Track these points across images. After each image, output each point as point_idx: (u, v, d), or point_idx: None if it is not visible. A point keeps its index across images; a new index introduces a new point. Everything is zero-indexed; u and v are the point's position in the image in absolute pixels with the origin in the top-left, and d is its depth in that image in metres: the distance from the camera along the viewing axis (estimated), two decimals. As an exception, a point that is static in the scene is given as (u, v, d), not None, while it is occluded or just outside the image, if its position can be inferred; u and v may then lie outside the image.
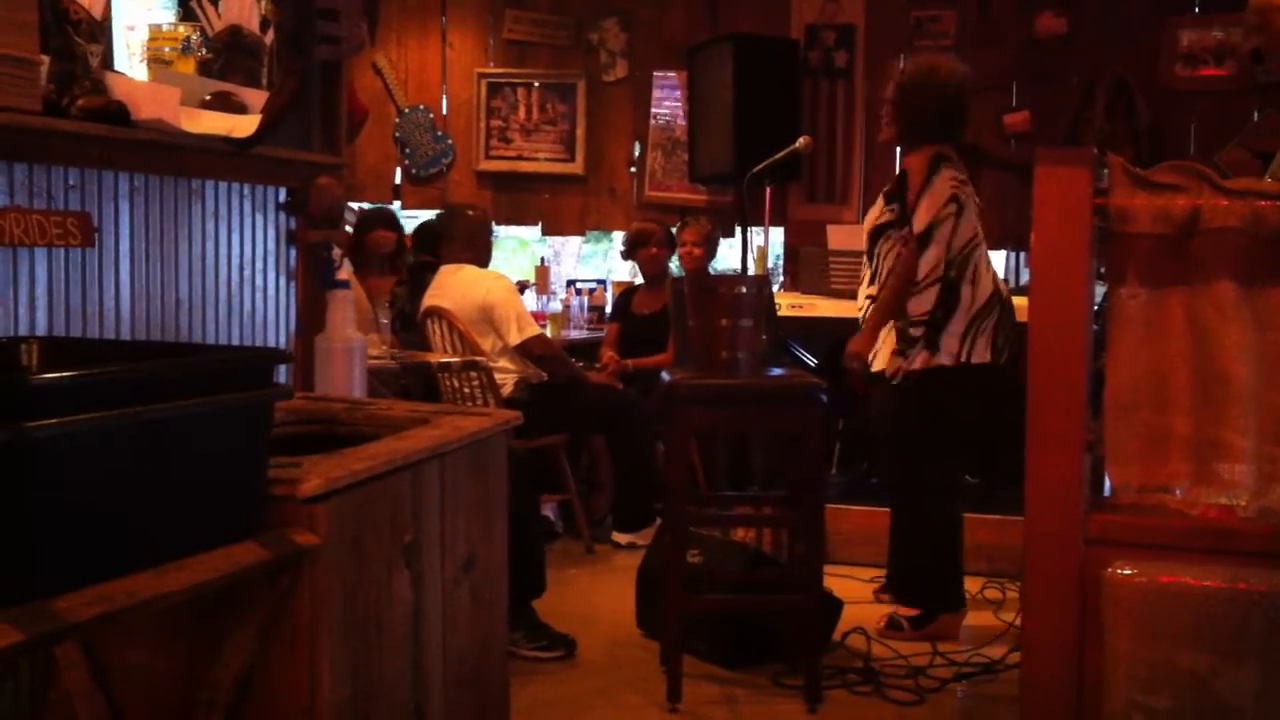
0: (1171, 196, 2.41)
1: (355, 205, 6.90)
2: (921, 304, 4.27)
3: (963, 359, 4.27)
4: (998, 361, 4.30)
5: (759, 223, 6.38)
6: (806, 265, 6.15)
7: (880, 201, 4.48)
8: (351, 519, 2.06)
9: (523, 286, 6.66)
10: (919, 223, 4.24)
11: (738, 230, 5.65)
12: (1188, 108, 6.23)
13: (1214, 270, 2.42)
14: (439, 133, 7.48)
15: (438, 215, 6.35)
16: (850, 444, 5.96)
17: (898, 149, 4.77)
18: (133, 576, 1.67)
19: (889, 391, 4.38)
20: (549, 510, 5.78)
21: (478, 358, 5.28)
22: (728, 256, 7.43)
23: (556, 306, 7.26)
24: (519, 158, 7.45)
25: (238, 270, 3.13)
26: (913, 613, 4.36)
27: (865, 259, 4.54)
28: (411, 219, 7.00)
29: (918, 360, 4.28)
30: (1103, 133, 6.11)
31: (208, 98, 3.14)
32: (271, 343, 3.26)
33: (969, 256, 4.29)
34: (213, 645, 1.89)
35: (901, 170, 4.44)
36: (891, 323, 4.35)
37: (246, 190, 3.16)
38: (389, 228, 6.32)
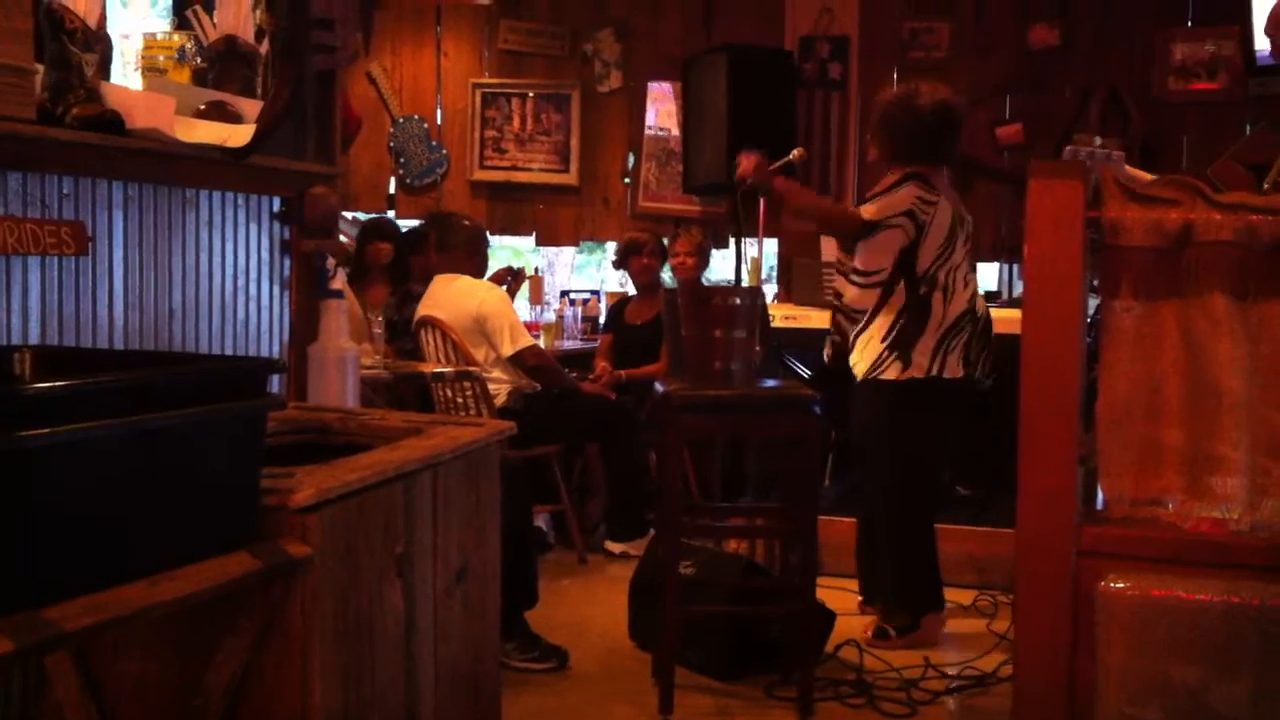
0: (1164, 210, 2.41)
1: (351, 215, 6.91)
2: (863, 299, 4.40)
3: (932, 372, 4.34)
4: (970, 376, 4.40)
5: (753, 233, 6.37)
6: (800, 276, 6.17)
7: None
8: (344, 529, 2.06)
9: (515, 279, 6.59)
10: (867, 212, 4.36)
11: (731, 241, 5.66)
12: (1180, 120, 6.25)
13: (1207, 283, 2.43)
14: (433, 142, 7.49)
15: (428, 219, 6.35)
16: (843, 454, 5.96)
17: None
18: (125, 586, 1.66)
19: (865, 397, 4.44)
20: (542, 520, 5.77)
21: (471, 368, 5.28)
22: (721, 267, 7.43)
23: (550, 317, 7.25)
24: (513, 168, 7.46)
25: (231, 279, 3.13)
26: (899, 620, 4.38)
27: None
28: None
29: (890, 371, 4.35)
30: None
31: (202, 107, 3.13)
32: (265, 352, 3.26)
33: (939, 273, 4.35)
34: (205, 654, 1.89)
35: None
36: (873, 334, 4.41)
37: (241, 199, 3.15)
38: (384, 239, 6.32)
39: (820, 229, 4.56)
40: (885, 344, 4.36)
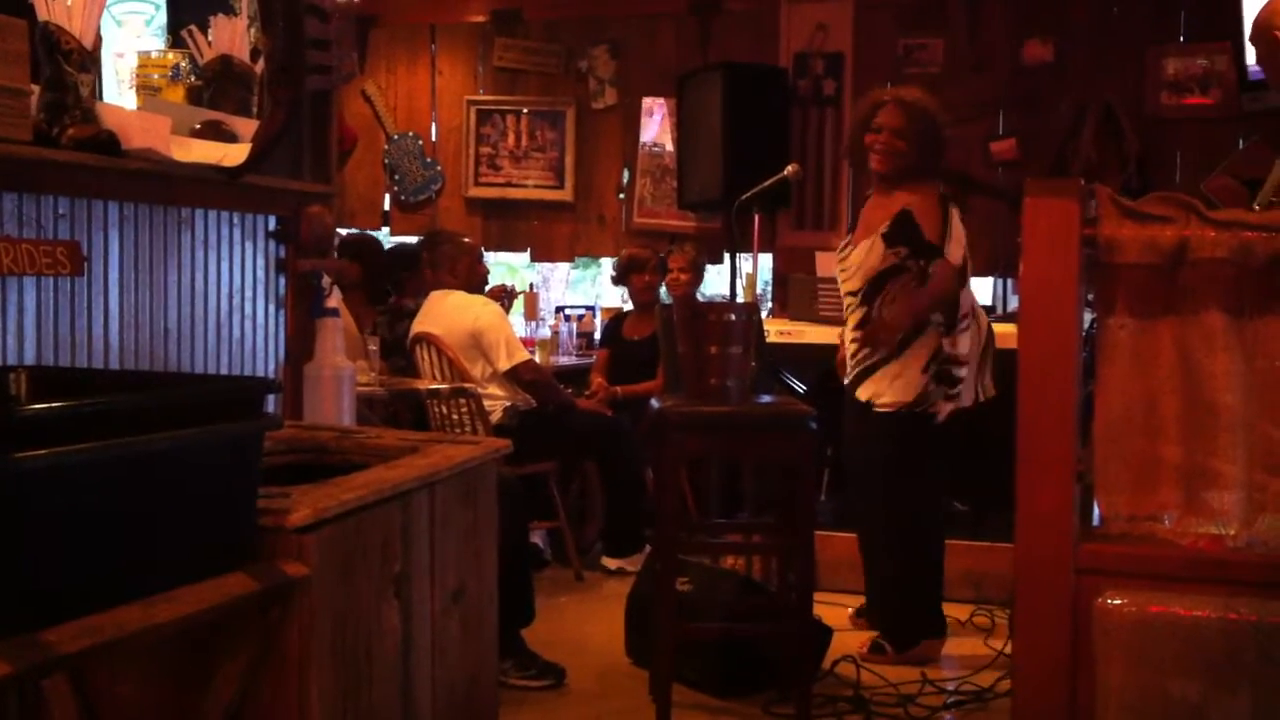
0: (1160, 227, 2.42)
1: (346, 232, 6.91)
2: (959, 344, 4.31)
3: (980, 398, 4.39)
4: (999, 391, 4.38)
5: (748, 249, 6.39)
6: (795, 292, 6.17)
7: (878, 245, 4.31)
8: (341, 549, 2.06)
9: (508, 297, 6.60)
10: (955, 258, 4.26)
11: (726, 257, 5.67)
12: (1173, 135, 6.26)
13: (1202, 300, 2.43)
14: (428, 159, 7.50)
15: (424, 238, 6.34)
16: (839, 470, 5.95)
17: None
18: (122, 608, 1.66)
19: (885, 424, 4.34)
20: (538, 537, 5.77)
21: (467, 384, 5.27)
22: (716, 283, 7.44)
23: (545, 333, 7.26)
24: (508, 184, 7.47)
25: (227, 299, 3.13)
26: None
27: (854, 299, 4.41)
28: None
29: (941, 410, 4.30)
30: (1090, 160, 6.14)
31: (198, 126, 3.13)
32: (261, 371, 3.26)
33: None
34: (202, 676, 1.88)
35: (904, 211, 4.29)
36: (896, 362, 4.30)
37: (236, 219, 3.16)
38: (349, 256, 6.26)
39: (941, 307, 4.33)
40: (927, 375, 4.26)
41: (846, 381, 4.48)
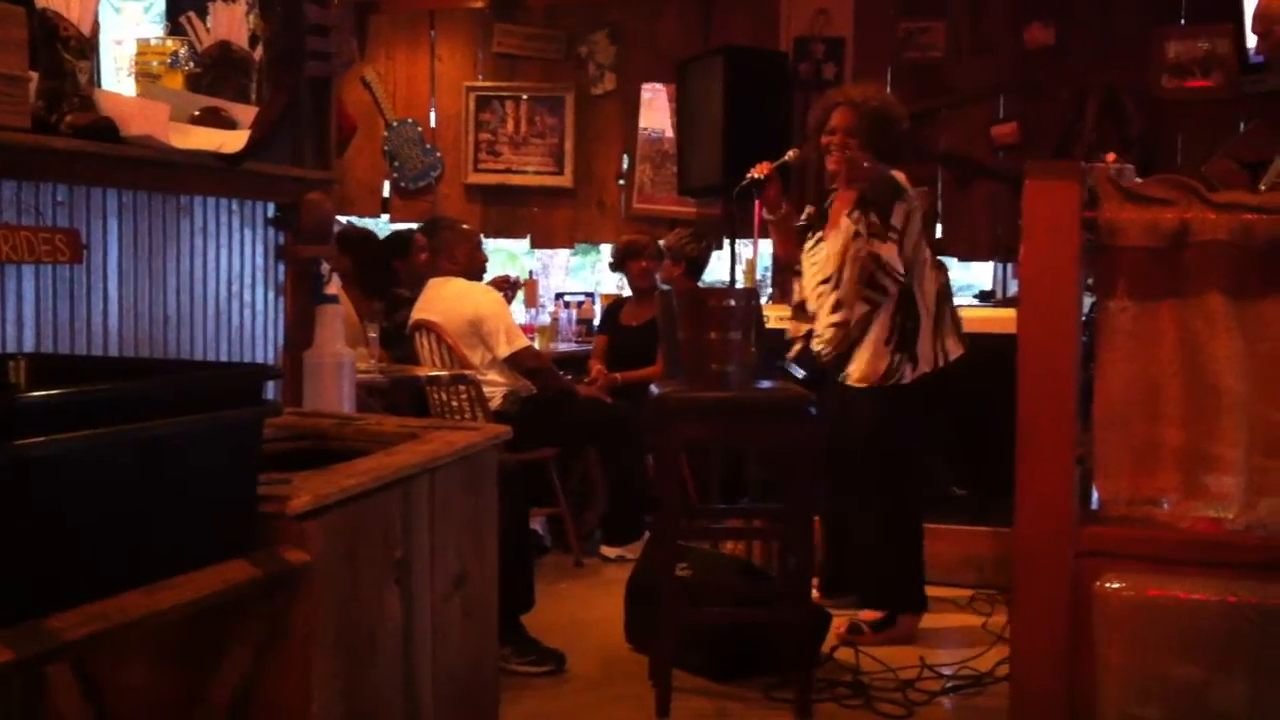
0: (1160, 210, 2.41)
1: (346, 220, 6.91)
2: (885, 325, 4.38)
3: (939, 364, 4.41)
4: (966, 349, 4.45)
5: (748, 235, 6.38)
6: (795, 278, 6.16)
7: (846, 222, 4.43)
8: (342, 535, 2.06)
9: (512, 288, 6.60)
10: (903, 263, 4.34)
11: (726, 243, 5.66)
12: (1175, 118, 6.25)
13: (1203, 283, 2.43)
14: (428, 146, 7.49)
15: (424, 225, 6.33)
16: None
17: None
18: (124, 595, 1.66)
19: (869, 402, 4.41)
20: (538, 524, 5.77)
21: (467, 371, 5.28)
22: (716, 268, 7.43)
23: (545, 319, 7.25)
24: (508, 171, 7.46)
25: (226, 286, 3.13)
26: (875, 616, 4.41)
27: (828, 286, 4.50)
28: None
29: (906, 375, 4.37)
30: (1092, 144, 6.13)
31: (197, 113, 3.13)
32: (261, 358, 3.25)
33: (914, 264, 4.38)
34: (206, 664, 1.89)
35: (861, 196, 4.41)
36: (873, 340, 4.39)
37: (236, 206, 3.15)
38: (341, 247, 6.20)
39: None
40: (890, 347, 4.35)
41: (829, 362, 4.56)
